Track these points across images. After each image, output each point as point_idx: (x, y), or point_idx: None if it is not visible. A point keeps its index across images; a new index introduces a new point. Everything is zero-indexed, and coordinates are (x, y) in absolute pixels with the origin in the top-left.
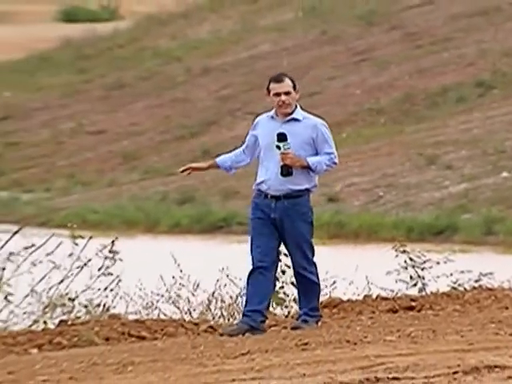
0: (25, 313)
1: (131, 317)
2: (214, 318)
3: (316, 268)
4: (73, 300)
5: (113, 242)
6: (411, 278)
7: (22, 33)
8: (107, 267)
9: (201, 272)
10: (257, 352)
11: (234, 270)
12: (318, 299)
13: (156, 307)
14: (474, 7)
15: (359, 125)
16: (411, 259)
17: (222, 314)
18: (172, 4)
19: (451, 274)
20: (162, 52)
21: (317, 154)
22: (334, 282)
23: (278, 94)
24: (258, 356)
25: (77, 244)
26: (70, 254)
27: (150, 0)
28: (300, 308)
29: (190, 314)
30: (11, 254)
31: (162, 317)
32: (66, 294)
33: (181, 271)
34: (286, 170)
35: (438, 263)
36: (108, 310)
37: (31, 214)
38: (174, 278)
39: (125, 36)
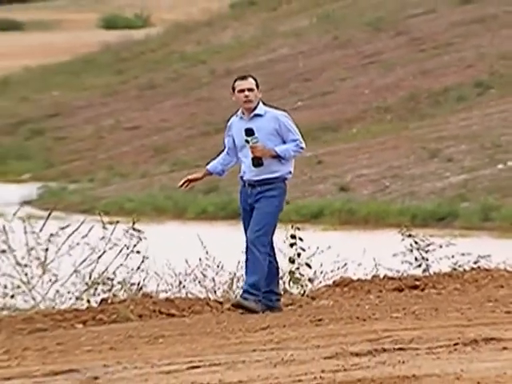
0: (69, 292)
1: (162, 295)
2: (236, 297)
3: (265, 248)
4: (112, 280)
5: (133, 221)
6: (416, 259)
7: (69, 38)
8: (134, 245)
9: (224, 254)
10: (275, 327)
11: None
12: (259, 277)
13: (184, 286)
14: (473, 15)
15: (368, 121)
16: (416, 242)
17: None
18: (197, 13)
19: (452, 256)
20: (188, 56)
21: (284, 142)
22: (345, 264)
23: (242, 91)
24: (276, 330)
25: (106, 228)
26: (102, 237)
27: (177, 9)
28: (244, 282)
29: (215, 292)
30: (51, 235)
31: (189, 295)
32: (103, 273)
33: (206, 253)
34: (257, 161)
35: (441, 246)
36: (141, 288)
37: (77, 202)
38: (200, 259)
39: (156, 41)
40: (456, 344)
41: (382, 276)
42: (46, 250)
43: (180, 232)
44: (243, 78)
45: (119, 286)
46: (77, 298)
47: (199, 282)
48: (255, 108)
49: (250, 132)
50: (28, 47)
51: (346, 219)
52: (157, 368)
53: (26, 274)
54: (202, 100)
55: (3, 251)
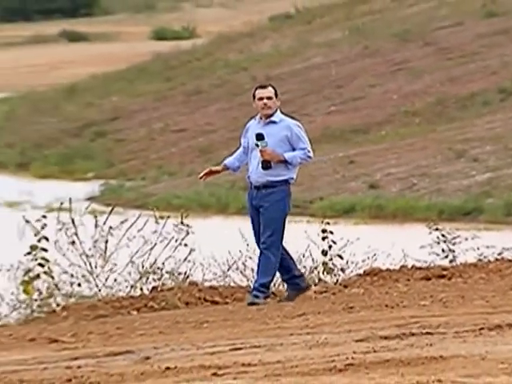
0: (125, 280)
1: (207, 284)
2: (274, 285)
3: (279, 251)
4: (161, 269)
5: (182, 216)
6: (443, 251)
7: (125, 48)
8: (182, 239)
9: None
10: (310, 313)
11: (290, 244)
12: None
13: (227, 276)
14: (497, 27)
15: (396, 125)
16: (443, 235)
17: (280, 281)
18: (239, 25)
19: (477, 248)
20: (231, 63)
21: (294, 149)
22: (375, 255)
23: (261, 98)
24: (311, 316)
25: (158, 223)
26: (154, 231)
27: (221, 22)
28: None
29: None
30: (111, 228)
31: (231, 284)
32: (154, 263)
33: (247, 245)
34: (265, 164)
35: (466, 239)
36: (188, 277)
37: (132, 198)
38: (241, 251)
39: (201, 51)
40: (481, 329)
41: (409, 266)
42: (106, 242)
43: (223, 226)
44: (263, 86)
45: (168, 276)
46: (131, 286)
47: (241, 271)
48: (272, 115)
49: (260, 136)
50: (92, 56)
51: (375, 214)
52: (202, 350)
53: (91, 264)
54: (244, 105)
55: (72, 243)
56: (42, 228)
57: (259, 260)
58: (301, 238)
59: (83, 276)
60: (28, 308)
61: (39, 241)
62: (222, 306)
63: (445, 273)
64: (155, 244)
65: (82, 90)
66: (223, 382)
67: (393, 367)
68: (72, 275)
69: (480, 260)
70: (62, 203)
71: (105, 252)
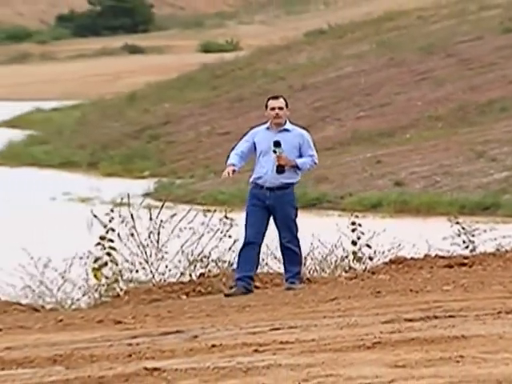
0: (176, 267)
1: None
2: (309, 272)
3: (299, 242)
4: (208, 258)
5: (226, 211)
6: (463, 241)
7: (176, 60)
8: (227, 230)
9: (299, 237)
10: (341, 298)
11: (323, 235)
12: (300, 266)
13: (266, 264)
14: None
15: (420, 128)
16: (463, 228)
17: (315, 268)
18: (277, 39)
19: (495, 239)
20: (270, 73)
21: (301, 155)
22: (400, 245)
23: (273, 109)
24: (342, 301)
25: (205, 216)
26: (202, 223)
27: (261, 37)
28: (285, 273)
29: None
30: (161, 221)
31: (270, 271)
32: (201, 252)
33: None
34: (281, 169)
35: (485, 231)
36: (231, 265)
37: (181, 194)
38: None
39: (243, 62)
40: (499, 312)
41: (433, 255)
42: (159, 233)
43: None
44: (275, 97)
45: (214, 263)
46: (181, 273)
47: (279, 260)
48: (284, 123)
49: (277, 144)
50: (148, 67)
51: (400, 209)
52: (244, 330)
53: (146, 253)
54: None
55: (131, 234)
56: (110, 221)
57: (284, 255)
58: (332, 230)
59: (140, 263)
60: (97, 292)
61: (107, 232)
62: (262, 291)
63: (465, 261)
64: (202, 235)
65: (140, 97)
66: (263, 357)
67: (417, 345)
68: (132, 263)
69: (498, 250)
70: (122, 199)
71: (158, 242)
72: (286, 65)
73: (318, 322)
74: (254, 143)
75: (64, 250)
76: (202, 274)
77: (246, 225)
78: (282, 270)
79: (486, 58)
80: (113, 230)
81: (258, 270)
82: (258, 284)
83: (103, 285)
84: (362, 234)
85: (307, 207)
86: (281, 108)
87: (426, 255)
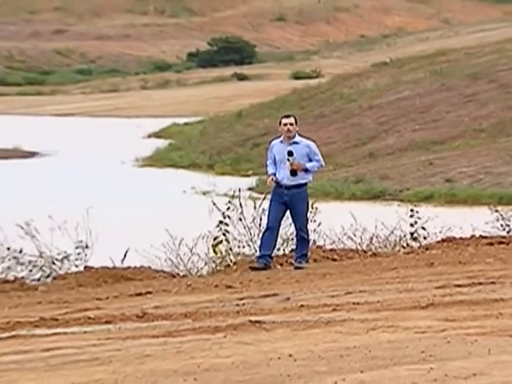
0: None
1: (328, 247)
2: (374, 248)
3: (308, 230)
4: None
5: (313, 203)
6: (501, 225)
7: (272, 85)
8: (312, 216)
9: (366, 222)
10: (400, 268)
11: (386, 220)
12: (307, 249)
13: (341, 241)
14: None
15: (467, 138)
16: (501, 215)
17: (379, 245)
18: (351, 69)
19: None
20: (344, 96)
21: (310, 160)
22: (450, 228)
23: (285, 124)
24: (401, 270)
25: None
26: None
27: (338, 67)
28: (295, 253)
29: (361, 245)
30: (263, 209)
31: (345, 247)
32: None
33: (355, 220)
34: (294, 172)
35: None
36: (315, 242)
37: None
38: (351, 225)
39: (324, 87)
40: None
41: (477, 235)
42: (260, 218)
43: (339, 209)
44: (287, 116)
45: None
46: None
47: (351, 238)
48: (294, 137)
49: (290, 153)
50: (252, 91)
51: (450, 200)
52: (325, 293)
53: (251, 233)
54: (354, 125)
55: (240, 219)
56: (227, 209)
57: (297, 240)
58: (393, 216)
59: (246, 241)
60: (214, 263)
61: (223, 217)
62: (339, 263)
63: (503, 240)
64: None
65: (245, 114)
66: (340, 314)
67: (465, 305)
68: (239, 241)
69: None
70: (234, 192)
71: (259, 225)
72: (357, 89)
73: (382, 287)
74: (274, 154)
75: (192, 231)
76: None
77: (268, 214)
78: (353, 247)
79: None
80: (228, 217)
81: (337, 246)
82: (335, 257)
83: (219, 257)
84: (419, 218)
85: (373, 199)
86: (291, 124)
87: (471, 236)
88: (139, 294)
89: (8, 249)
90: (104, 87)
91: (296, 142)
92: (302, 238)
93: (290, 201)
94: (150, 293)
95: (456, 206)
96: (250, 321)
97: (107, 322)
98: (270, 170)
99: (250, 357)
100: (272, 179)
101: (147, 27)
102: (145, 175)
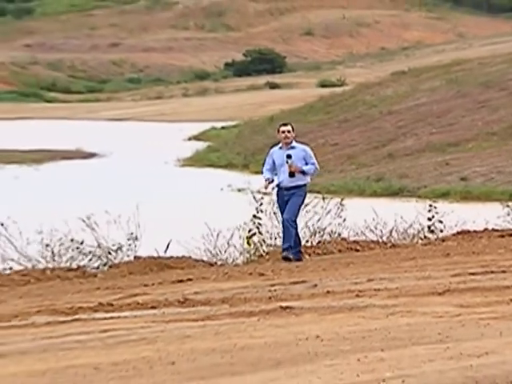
0: (303, 237)
1: (352, 238)
2: (394, 240)
3: (296, 224)
4: (323, 230)
5: (341, 199)
6: None
7: (301, 93)
8: (338, 212)
9: (386, 217)
10: (418, 258)
11: (405, 215)
12: (294, 242)
13: (363, 234)
14: None
15: (480, 141)
16: None
17: (398, 237)
18: (372, 78)
19: None
20: (366, 102)
21: (306, 163)
22: (464, 222)
23: (283, 132)
24: (419, 259)
25: (324, 201)
26: (321, 207)
27: (360, 76)
28: (282, 244)
29: (381, 237)
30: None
31: (367, 239)
32: (319, 226)
33: (376, 215)
34: (292, 174)
35: None
36: (340, 235)
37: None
38: (373, 219)
39: (348, 94)
40: None
41: (490, 228)
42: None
43: (361, 204)
44: (285, 124)
45: (328, 234)
46: (307, 241)
47: (372, 231)
48: (291, 143)
49: (289, 156)
50: (282, 98)
51: (464, 196)
52: (349, 280)
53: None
54: (375, 128)
55: (274, 213)
56: (260, 204)
57: (283, 230)
58: (411, 211)
59: (277, 233)
60: (248, 253)
61: (257, 212)
62: (361, 253)
63: None
64: (322, 215)
65: (276, 119)
66: (362, 300)
67: (478, 292)
68: (271, 233)
69: None
70: (266, 189)
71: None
72: (377, 96)
73: (401, 275)
74: (273, 160)
75: (229, 224)
76: (319, 242)
77: (281, 214)
78: (374, 239)
79: None
80: (261, 211)
81: (358, 238)
82: (358, 248)
83: (252, 248)
84: (436, 213)
85: (392, 195)
86: (289, 131)
87: (484, 229)
88: (181, 281)
89: (71, 240)
90: (151, 94)
91: (293, 147)
92: (287, 230)
93: (289, 198)
94: (190, 280)
95: (470, 202)
96: (281, 306)
97: (153, 307)
98: (266, 175)
99: (280, 338)
100: (268, 183)
101: (188, 41)
102: (186, 174)
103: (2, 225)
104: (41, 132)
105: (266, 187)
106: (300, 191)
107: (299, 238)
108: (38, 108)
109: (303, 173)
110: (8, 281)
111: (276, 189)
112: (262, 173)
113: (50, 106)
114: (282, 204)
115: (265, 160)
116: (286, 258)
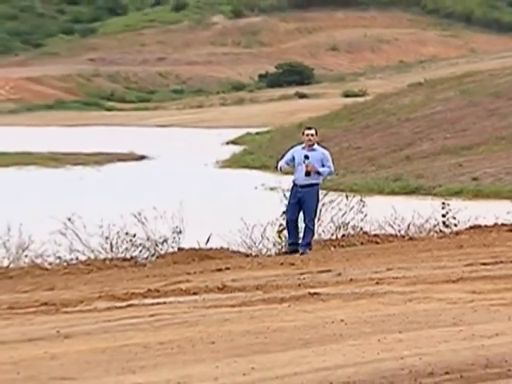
0: (328, 231)
1: (372, 232)
2: (412, 234)
3: (315, 223)
4: (347, 224)
5: (361, 197)
6: None
7: (327, 102)
8: (360, 208)
9: (404, 213)
10: (434, 249)
11: (422, 211)
12: (311, 239)
13: (383, 228)
14: None
15: (490, 145)
16: None
17: (415, 231)
18: (391, 89)
19: None
20: (386, 111)
21: (323, 166)
22: (476, 217)
23: (307, 135)
24: (435, 251)
25: (348, 199)
26: (345, 204)
27: (381, 87)
28: (302, 241)
29: (399, 231)
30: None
31: (386, 233)
32: (343, 221)
33: (395, 211)
34: (308, 173)
35: None
36: (361, 229)
37: (329, 185)
38: (392, 215)
39: (369, 103)
40: None
41: (499, 223)
42: (320, 210)
43: (381, 202)
44: (309, 128)
45: (351, 228)
46: (332, 234)
47: (391, 226)
48: (313, 145)
49: (306, 157)
50: (310, 107)
51: (476, 194)
52: (370, 269)
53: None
54: (393, 134)
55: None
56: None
57: (304, 230)
58: (427, 208)
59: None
60: (279, 245)
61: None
62: (381, 245)
63: None
64: (345, 211)
65: (304, 125)
66: (382, 287)
67: (489, 280)
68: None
69: None
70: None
71: (319, 215)
72: (396, 105)
73: (418, 264)
74: (294, 157)
75: (262, 219)
76: (343, 235)
77: (286, 211)
78: (393, 232)
79: None
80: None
81: (378, 232)
82: (378, 240)
83: (283, 241)
84: (450, 210)
85: (409, 194)
86: (312, 135)
87: (494, 223)
88: (219, 270)
89: (126, 233)
90: (193, 104)
91: (314, 149)
92: (309, 229)
93: (302, 197)
94: (228, 269)
95: (481, 200)
96: (309, 293)
97: (194, 293)
98: (282, 163)
99: (309, 321)
100: (280, 169)
101: (226, 55)
102: (223, 175)
103: (69, 219)
104: (100, 137)
105: (280, 169)
106: (313, 190)
107: (313, 234)
108: (98, 116)
109: (318, 173)
110: (74, 269)
111: (292, 185)
112: (279, 170)
113: (108, 114)
114: (294, 201)
115: (283, 155)
116: (303, 254)
